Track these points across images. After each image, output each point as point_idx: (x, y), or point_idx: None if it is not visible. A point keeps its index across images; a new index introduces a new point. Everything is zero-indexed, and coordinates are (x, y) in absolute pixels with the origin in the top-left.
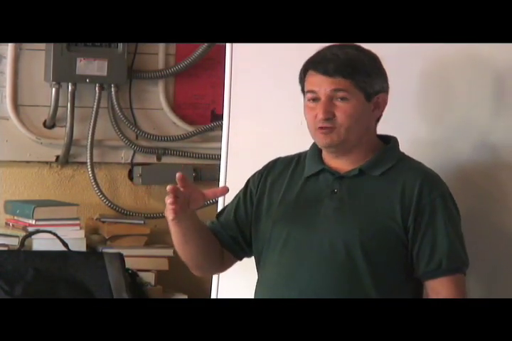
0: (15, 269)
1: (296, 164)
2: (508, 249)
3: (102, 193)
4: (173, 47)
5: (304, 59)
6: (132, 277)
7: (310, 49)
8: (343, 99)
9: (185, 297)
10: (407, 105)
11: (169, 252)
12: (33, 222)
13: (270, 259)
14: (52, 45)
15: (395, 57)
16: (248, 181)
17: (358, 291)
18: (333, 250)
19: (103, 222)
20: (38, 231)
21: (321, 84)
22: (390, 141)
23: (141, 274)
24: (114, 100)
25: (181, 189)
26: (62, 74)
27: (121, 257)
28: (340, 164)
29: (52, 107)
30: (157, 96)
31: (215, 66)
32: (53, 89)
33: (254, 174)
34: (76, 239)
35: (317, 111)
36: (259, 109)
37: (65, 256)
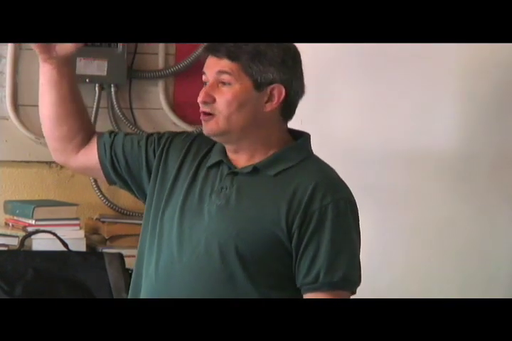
0: (15, 269)
1: (208, 150)
2: (508, 249)
3: (101, 193)
4: (173, 47)
5: (304, 59)
6: None
7: (309, 48)
8: (226, 82)
9: None
10: None
11: None
12: (33, 222)
13: (153, 250)
14: None
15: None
16: (168, 138)
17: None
18: (208, 252)
19: (103, 222)
20: (37, 231)
21: (210, 65)
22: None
23: None
24: (114, 100)
25: None
26: None
27: (121, 257)
28: (239, 158)
29: None
30: (157, 96)
31: None
32: None
33: (176, 136)
34: (76, 239)
35: None
36: None
37: (65, 256)
